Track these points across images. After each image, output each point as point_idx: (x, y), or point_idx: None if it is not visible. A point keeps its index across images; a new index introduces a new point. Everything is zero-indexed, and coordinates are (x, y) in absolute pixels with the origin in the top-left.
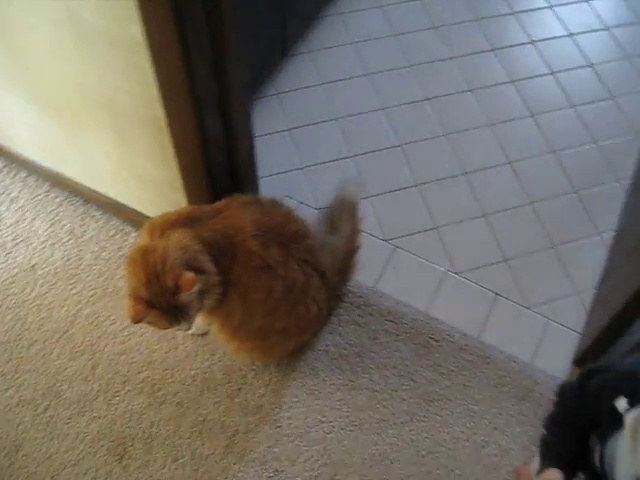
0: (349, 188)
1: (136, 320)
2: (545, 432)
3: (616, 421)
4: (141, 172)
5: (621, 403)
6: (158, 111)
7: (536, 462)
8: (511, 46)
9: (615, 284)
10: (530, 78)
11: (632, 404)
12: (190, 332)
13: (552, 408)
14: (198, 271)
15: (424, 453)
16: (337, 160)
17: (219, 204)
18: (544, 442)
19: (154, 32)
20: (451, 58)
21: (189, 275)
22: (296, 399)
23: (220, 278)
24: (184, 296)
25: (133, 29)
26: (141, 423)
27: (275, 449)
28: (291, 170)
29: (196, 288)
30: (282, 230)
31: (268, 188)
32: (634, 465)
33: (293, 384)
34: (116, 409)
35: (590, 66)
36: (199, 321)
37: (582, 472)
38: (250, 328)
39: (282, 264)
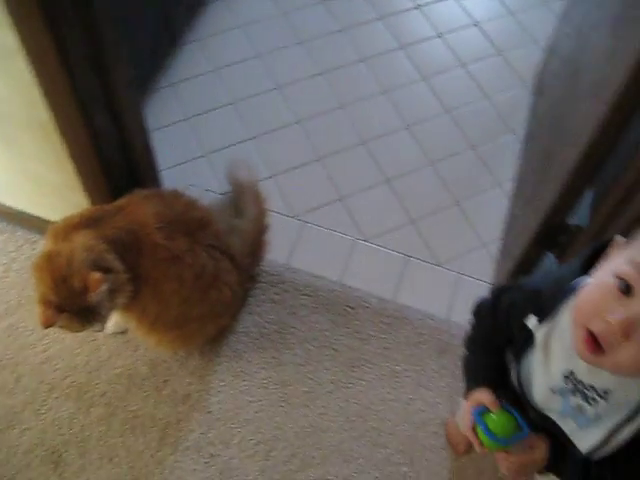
0: (237, 171)
1: (47, 325)
2: (465, 353)
3: (528, 338)
4: (36, 177)
5: (531, 321)
6: (43, 115)
7: (462, 410)
8: (398, 12)
9: (517, 232)
10: (419, 42)
11: (541, 321)
12: (109, 331)
13: (470, 328)
14: (105, 270)
15: (353, 418)
16: (238, 144)
17: (120, 201)
18: (465, 363)
19: (28, 38)
20: (340, 31)
21: (96, 275)
22: (223, 383)
23: (129, 275)
24: (93, 296)
25: (7, 38)
26: (72, 428)
27: (208, 434)
28: (193, 159)
29: (104, 287)
30: (186, 219)
31: (172, 179)
32: (547, 378)
33: (218, 369)
34: (45, 418)
35: (475, 25)
36: (117, 319)
37: (502, 392)
38: (167, 319)
39: (189, 252)
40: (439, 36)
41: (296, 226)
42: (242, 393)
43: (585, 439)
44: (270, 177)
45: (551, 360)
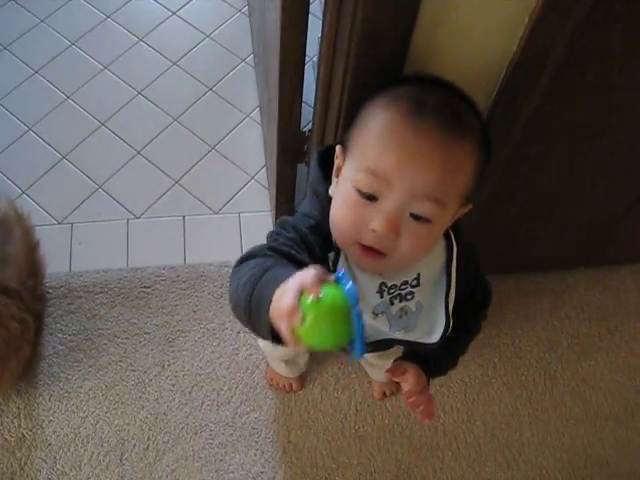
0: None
1: None
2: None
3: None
4: None
5: (331, 257)
6: None
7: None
8: None
9: (270, 154)
10: (122, 6)
11: (336, 253)
12: None
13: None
14: None
15: (189, 390)
16: None
17: None
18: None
19: None
20: (39, 23)
21: None
22: (51, 411)
23: None
24: None
25: None
26: None
27: (57, 466)
28: None
29: None
30: None
31: None
32: (365, 307)
33: (41, 399)
34: None
35: None
36: None
37: None
38: None
39: None
40: None
41: (66, 231)
42: (73, 413)
43: (431, 334)
44: (22, 193)
45: (361, 286)
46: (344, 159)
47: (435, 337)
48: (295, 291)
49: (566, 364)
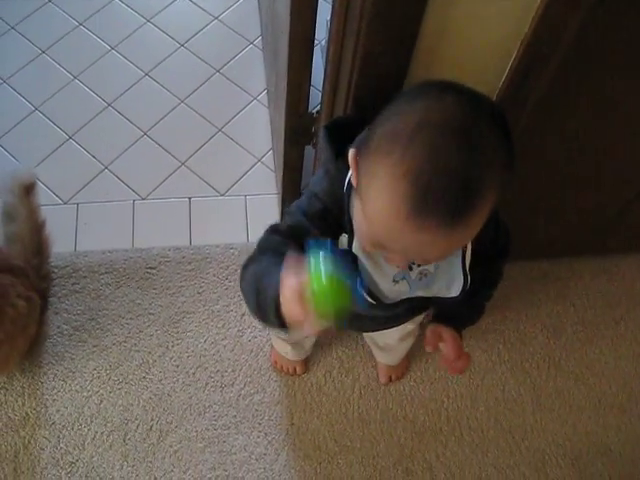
0: (20, 176)
1: None
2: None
3: (350, 255)
4: None
5: (343, 240)
6: None
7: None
8: None
9: (278, 137)
10: None
11: (349, 236)
12: None
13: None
14: None
15: (193, 371)
16: None
17: None
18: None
19: None
20: (46, 4)
21: None
22: (55, 390)
23: None
24: None
25: None
26: None
27: (60, 445)
28: None
29: None
30: None
31: None
32: (384, 277)
33: (45, 378)
34: None
35: None
36: None
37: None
38: None
39: None
40: None
41: (71, 211)
42: (77, 392)
43: (451, 287)
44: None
45: (380, 261)
46: (357, 172)
47: (454, 291)
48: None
49: (570, 351)
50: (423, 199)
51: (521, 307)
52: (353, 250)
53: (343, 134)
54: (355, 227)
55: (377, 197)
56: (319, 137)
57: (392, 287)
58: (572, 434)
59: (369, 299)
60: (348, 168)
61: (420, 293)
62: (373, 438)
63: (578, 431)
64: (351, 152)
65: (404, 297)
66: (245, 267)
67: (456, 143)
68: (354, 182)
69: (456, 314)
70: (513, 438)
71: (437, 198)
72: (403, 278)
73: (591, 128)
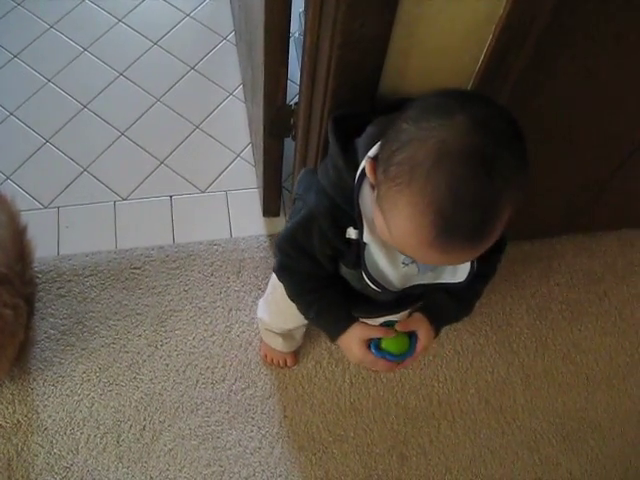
0: None
1: None
2: (307, 300)
3: (359, 246)
4: None
5: (352, 232)
6: None
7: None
8: None
9: (256, 130)
10: None
11: (358, 227)
12: None
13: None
14: None
15: (183, 369)
16: None
17: None
18: (317, 309)
19: None
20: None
21: None
22: (46, 395)
23: None
24: None
25: None
26: None
27: (54, 451)
28: None
29: None
30: None
31: None
32: (394, 262)
33: (35, 384)
34: None
35: None
36: None
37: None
38: None
39: None
40: None
41: (52, 215)
42: (68, 396)
43: (457, 272)
44: (6, 179)
45: (389, 245)
46: (378, 187)
47: (460, 276)
48: (371, 353)
49: (557, 330)
50: (447, 228)
51: (506, 289)
52: (364, 240)
53: (347, 125)
54: (377, 228)
55: (401, 225)
56: (329, 130)
57: (401, 270)
58: (562, 412)
59: (375, 288)
60: (355, 162)
61: (427, 279)
62: (366, 426)
63: (568, 408)
64: (368, 165)
65: (412, 284)
66: (300, 294)
67: (475, 172)
68: (373, 190)
69: (443, 309)
70: (505, 418)
71: (460, 225)
72: (413, 262)
73: (568, 104)
